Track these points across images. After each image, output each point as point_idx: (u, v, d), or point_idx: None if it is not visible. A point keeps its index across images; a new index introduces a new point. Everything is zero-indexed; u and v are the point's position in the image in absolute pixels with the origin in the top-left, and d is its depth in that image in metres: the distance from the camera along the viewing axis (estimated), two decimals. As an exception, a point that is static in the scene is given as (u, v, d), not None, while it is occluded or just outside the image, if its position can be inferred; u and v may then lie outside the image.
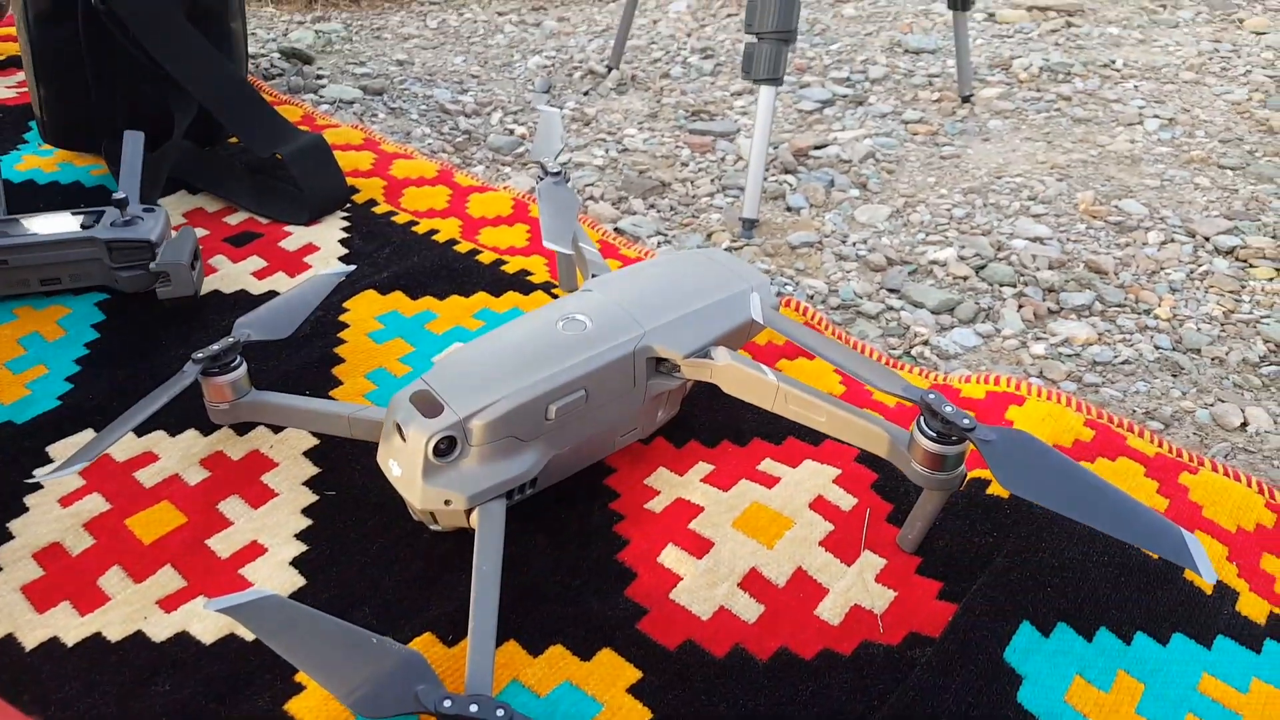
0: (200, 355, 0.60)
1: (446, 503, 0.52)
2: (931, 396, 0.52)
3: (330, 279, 0.73)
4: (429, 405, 0.53)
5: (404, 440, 0.53)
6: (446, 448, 0.52)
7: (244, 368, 0.62)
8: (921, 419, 0.52)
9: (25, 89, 1.17)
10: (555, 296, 0.81)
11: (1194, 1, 1.62)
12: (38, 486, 0.60)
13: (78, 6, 0.91)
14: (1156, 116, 1.21)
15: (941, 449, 0.51)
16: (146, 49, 0.91)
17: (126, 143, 0.85)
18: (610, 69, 1.32)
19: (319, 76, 1.27)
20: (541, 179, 0.79)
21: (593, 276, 0.69)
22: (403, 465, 0.53)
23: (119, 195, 0.79)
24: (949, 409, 0.51)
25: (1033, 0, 1.56)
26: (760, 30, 0.91)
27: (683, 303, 0.61)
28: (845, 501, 0.60)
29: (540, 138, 0.84)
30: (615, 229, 0.97)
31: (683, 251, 0.67)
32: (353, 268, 0.78)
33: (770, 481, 0.61)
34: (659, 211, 1.01)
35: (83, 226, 0.79)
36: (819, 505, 0.59)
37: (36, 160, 1.01)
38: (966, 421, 0.50)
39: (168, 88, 0.94)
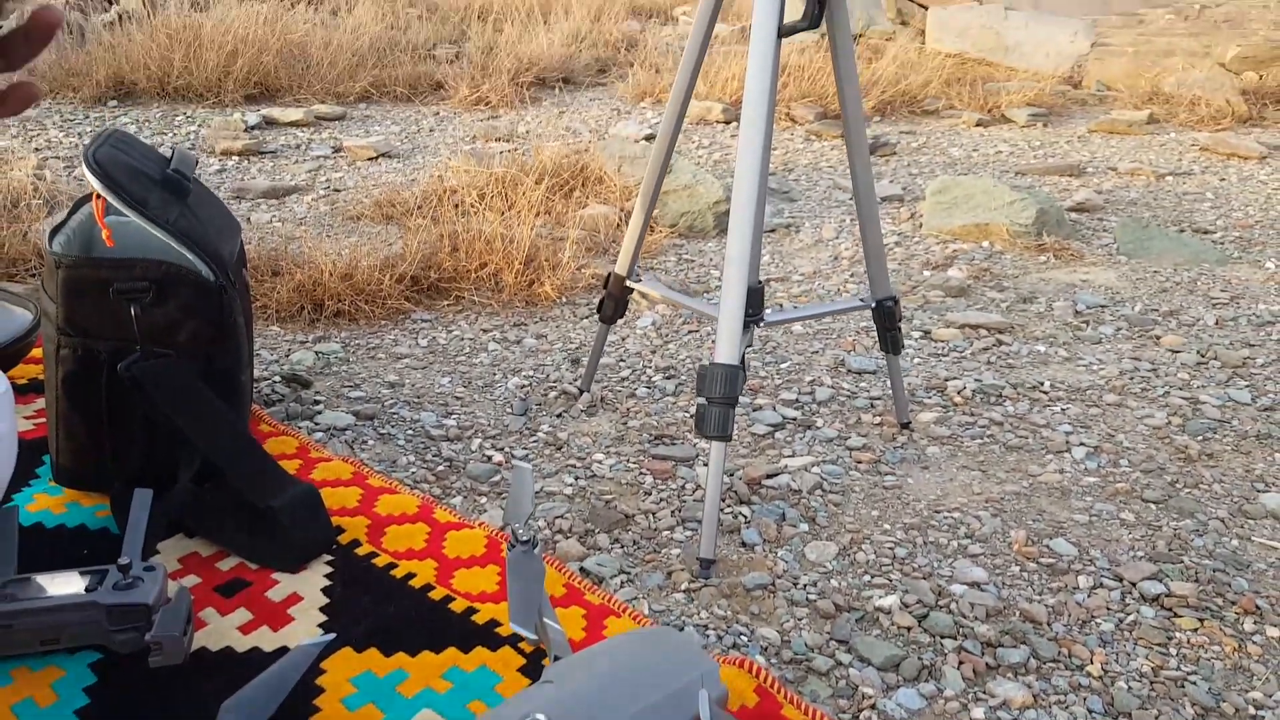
0: (184, 752, 0.64)
1: None
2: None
3: (310, 650, 0.78)
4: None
5: None
6: None
7: (224, 759, 0.66)
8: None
9: (42, 419, 1.26)
10: (520, 651, 0.87)
11: (1114, 317, 1.80)
12: None
13: (103, 372, 1.02)
14: (1083, 444, 1.32)
15: None
16: (164, 411, 1.01)
17: (135, 501, 0.93)
18: (582, 391, 1.44)
19: (315, 401, 1.38)
20: (512, 546, 0.86)
21: (555, 659, 0.74)
22: None
23: (124, 560, 0.86)
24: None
25: (965, 319, 1.73)
26: (710, 396, 1.03)
27: (636, 697, 0.67)
28: None
29: (512, 499, 0.92)
30: (581, 569, 1.04)
31: (637, 632, 0.74)
32: (332, 636, 0.83)
33: None
34: (623, 547, 1.08)
35: (86, 589, 0.85)
36: None
37: (46, 500, 1.08)
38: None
39: (178, 442, 1.03)
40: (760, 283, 1.20)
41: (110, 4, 4.24)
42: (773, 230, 2.24)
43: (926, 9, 4.62)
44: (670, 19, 5.52)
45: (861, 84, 3.50)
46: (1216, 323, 1.77)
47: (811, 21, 1.02)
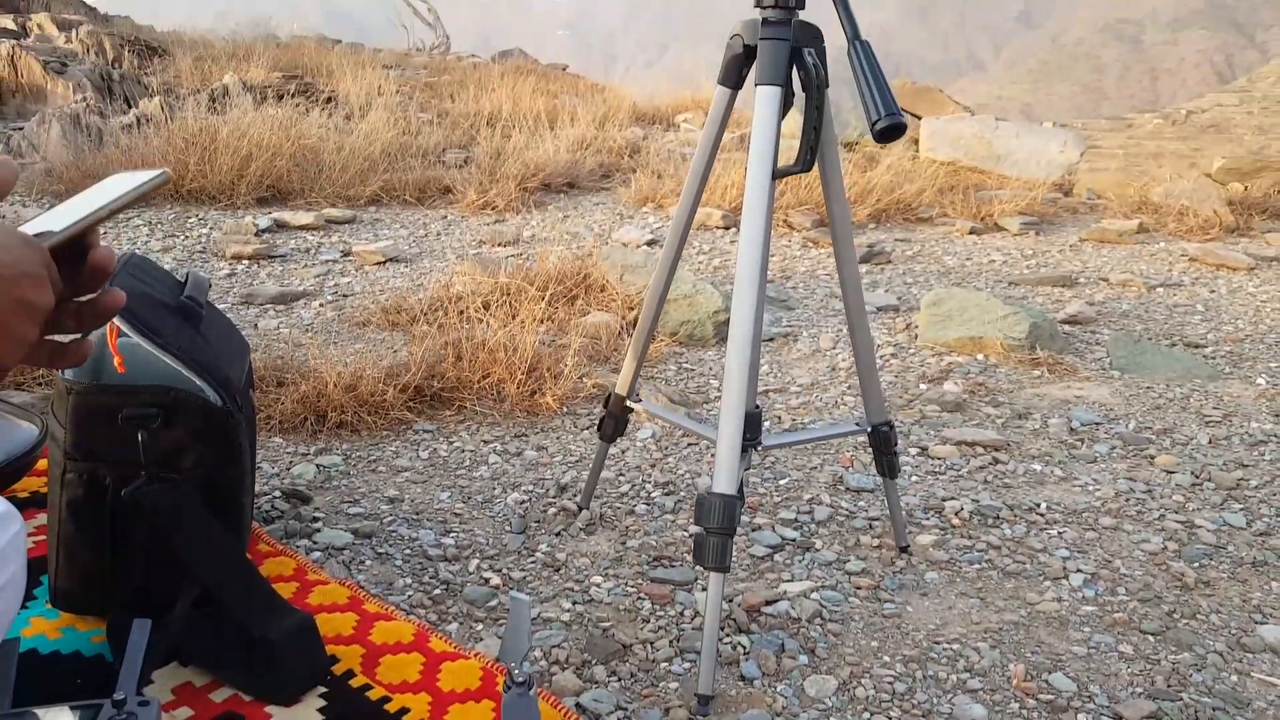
0: None
1: None
2: None
3: (303, 797, 0.77)
4: None
5: None
6: None
7: None
8: None
9: (41, 537, 1.27)
10: (516, 796, 0.86)
11: (1108, 435, 1.81)
12: None
13: (108, 497, 1.04)
14: (1080, 570, 1.32)
15: None
16: (166, 536, 1.01)
17: (134, 632, 0.93)
18: (581, 508, 1.45)
19: (314, 518, 1.38)
20: (508, 688, 0.86)
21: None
22: None
23: (118, 695, 0.85)
24: None
25: (961, 435, 1.75)
26: (708, 526, 1.04)
27: None
28: None
29: (509, 634, 0.92)
30: (577, 704, 1.03)
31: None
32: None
33: None
34: (620, 679, 1.07)
35: (76, 727, 0.84)
36: None
37: (42, 624, 1.08)
38: None
39: (178, 568, 1.03)
40: (758, 407, 1.22)
41: (129, 107, 4.39)
42: (771, 339, 2.28)
43: (920, 119, 4.78)
44: (672, 125, 5.70)
45: (857, 192, 3.61)
46: (1210, 441, 1.79)
47: (804, 165, 1.07)
